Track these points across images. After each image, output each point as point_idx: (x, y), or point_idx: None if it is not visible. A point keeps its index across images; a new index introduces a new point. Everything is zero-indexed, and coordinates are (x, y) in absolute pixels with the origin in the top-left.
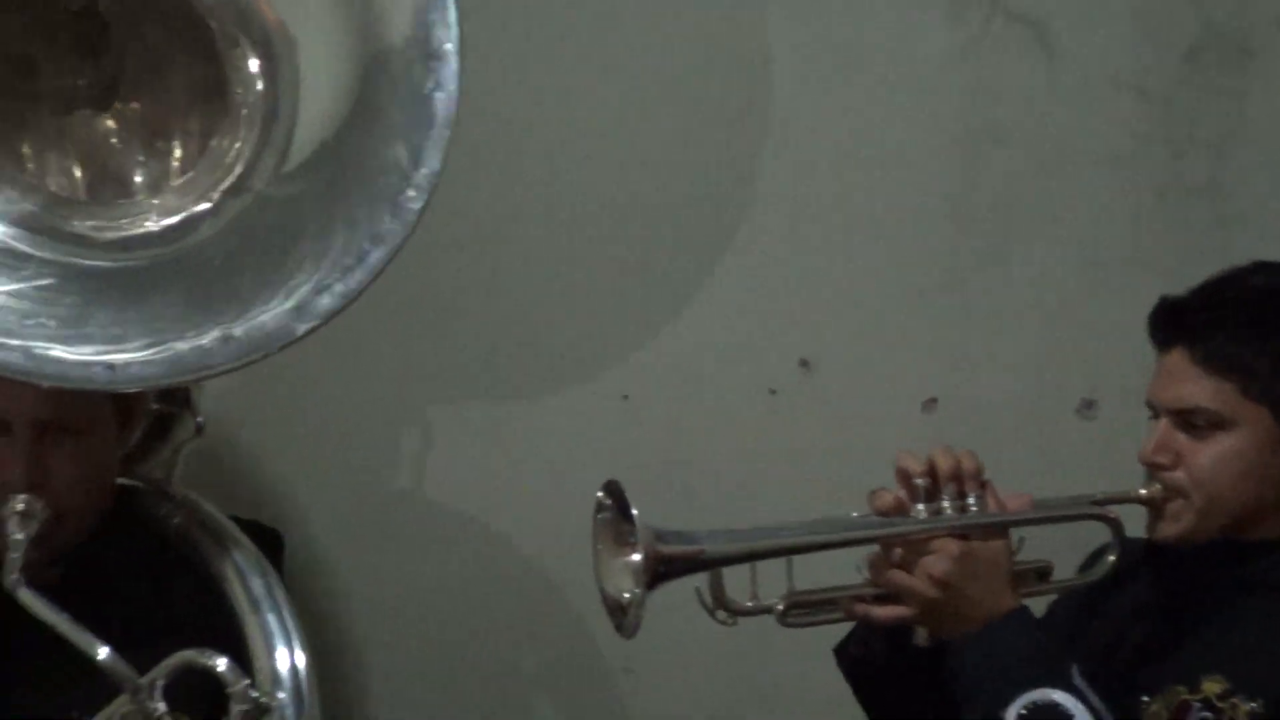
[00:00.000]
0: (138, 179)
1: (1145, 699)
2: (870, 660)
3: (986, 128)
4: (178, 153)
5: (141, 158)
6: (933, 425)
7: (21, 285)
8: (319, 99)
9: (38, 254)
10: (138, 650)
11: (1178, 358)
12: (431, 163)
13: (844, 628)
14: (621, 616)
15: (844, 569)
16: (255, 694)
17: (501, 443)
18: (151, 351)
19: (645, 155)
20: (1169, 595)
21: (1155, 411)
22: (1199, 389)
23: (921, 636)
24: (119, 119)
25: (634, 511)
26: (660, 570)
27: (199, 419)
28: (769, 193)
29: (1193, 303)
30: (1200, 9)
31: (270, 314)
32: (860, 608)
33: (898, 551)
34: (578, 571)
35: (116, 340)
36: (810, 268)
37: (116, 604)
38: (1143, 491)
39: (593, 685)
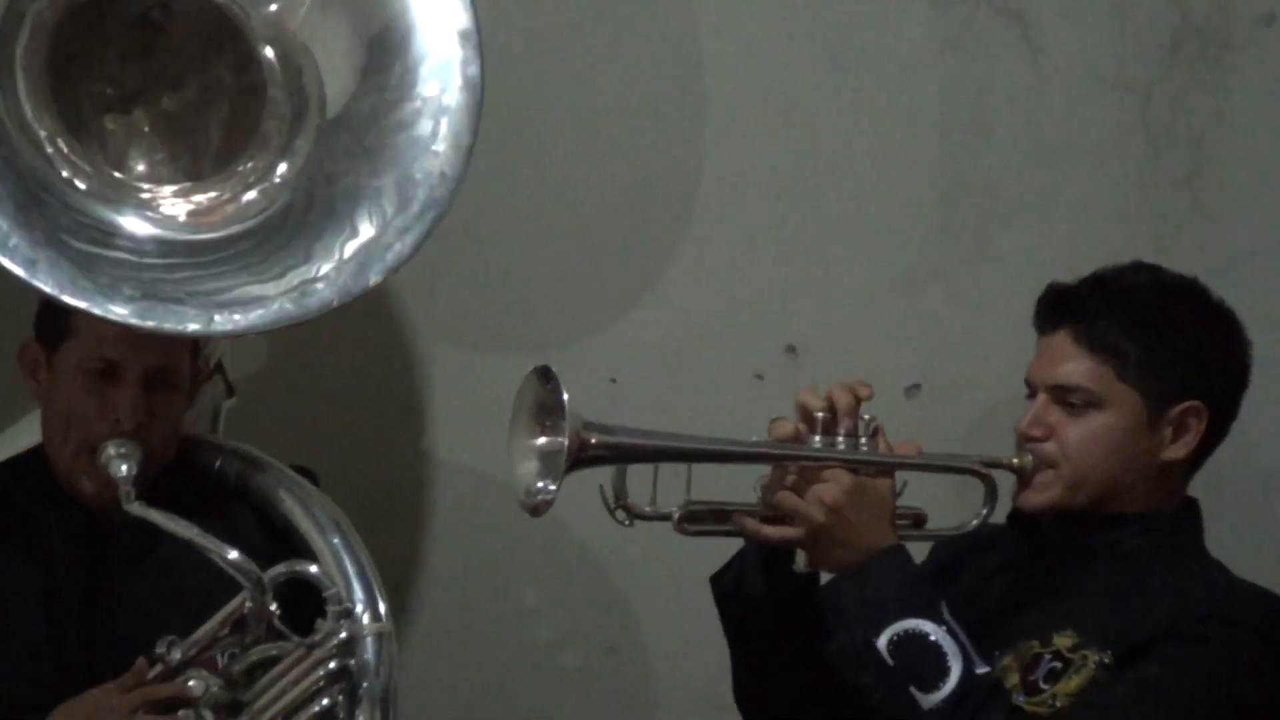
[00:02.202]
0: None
1: (997, 653)
2: (745, 588)
3: (970, 120)
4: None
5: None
6: (916, 410)
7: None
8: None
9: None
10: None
11: (1062, 338)
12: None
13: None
14: (534, 499)
15: (742, 490)
16: (345, 601)
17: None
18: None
19: (634, 140)
20: (1027, 558)
21: (1032, 390)
22: (1079, 368)
23: (801, 562)
24: (158, 116)
25: (565, 396)
26: (581, 456)
27: (230, 381)
28: (757, 180)
29: (1080, 290)
30: (1180, 3)
31: (341, 270)
32: (750, 523)
33: (791, 476)
34: (570, 548)
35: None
36: (797, 255)
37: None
38: (1015, 460)
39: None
